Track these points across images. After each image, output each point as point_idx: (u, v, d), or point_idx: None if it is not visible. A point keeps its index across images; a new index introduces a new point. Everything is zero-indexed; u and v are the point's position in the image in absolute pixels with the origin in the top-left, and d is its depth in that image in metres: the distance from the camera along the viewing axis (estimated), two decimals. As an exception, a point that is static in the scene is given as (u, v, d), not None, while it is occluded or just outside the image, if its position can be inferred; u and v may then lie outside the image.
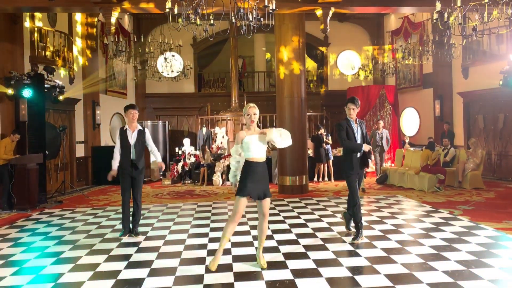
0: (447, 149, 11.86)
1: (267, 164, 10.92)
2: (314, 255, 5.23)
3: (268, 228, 6.32)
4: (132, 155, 6.19)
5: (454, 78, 14.17)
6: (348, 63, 18.51)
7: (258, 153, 4.70)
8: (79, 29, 13.26)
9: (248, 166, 4.71)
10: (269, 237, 6.11)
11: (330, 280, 4.36)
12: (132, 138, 6.22)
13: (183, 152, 13.84)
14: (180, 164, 13.33)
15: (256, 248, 5.00)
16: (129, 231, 6.35)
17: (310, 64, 19.51)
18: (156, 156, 6.53)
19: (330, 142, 12.77)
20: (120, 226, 6.65)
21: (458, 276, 4.40)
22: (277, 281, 4.36)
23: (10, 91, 9.62)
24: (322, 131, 12.79)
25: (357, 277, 4.42)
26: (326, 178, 12.80)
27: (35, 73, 10.06)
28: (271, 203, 9.10)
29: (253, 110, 4.70)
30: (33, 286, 4.43)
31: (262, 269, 4.70)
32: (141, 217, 7.73)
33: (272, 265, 4.85)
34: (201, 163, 13.11)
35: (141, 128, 6.33)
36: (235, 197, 4.69)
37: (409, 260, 4.96)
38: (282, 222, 7.23)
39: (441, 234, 6.10)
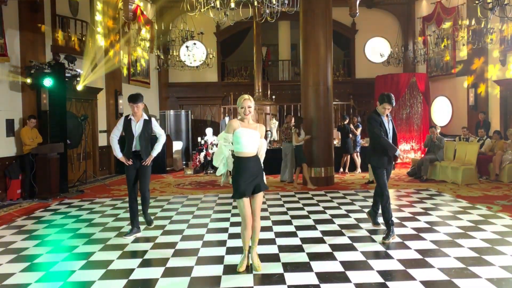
0: (483, 140, 11.20)
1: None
2: (341, 256, 4.81)
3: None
4: (136, 146, 5.81)
5: (490, 65, 13.34)
6: (377, 51, 17.77)
7: (249, 148, 4.33)
8: (100, 17, 13.04)
9: (239, 162, 4.35)
10: (293, 234, 5.74)
11: (359, 287, 3.94)
12: (136, 128, 5.81)
13: (205, 141, 13.55)
14: (203, 154, 13.05)
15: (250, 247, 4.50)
16: (138, 228, 5.89)
17: (337, 51, 18.86)
18: (155, 147, 5.92)
19: (358, 133, 12.22)
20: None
21: (505, 285, 3.91)
22: (301, 286, 3.98)
23: (28, 81, 9.49)
24: (355, 119, 12.44)
25: (390, 283, 3.99)
26: (347, 170, 12.31)
27: (55, 62, 9.91)
28: (294, 196, 8.74)
29: (247, 103, 4.35)
30: (41, 285, 4.19)
31: (256, 271, 4.34)
32: (160, 210, 7.55)
33: (295, 267, 4.47)
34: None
35: (146, 118, 5.89)
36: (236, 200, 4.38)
37: (448, 264, 4.48)
38: (307, 217, 6.80)
39: (481, 234, 5.57)
